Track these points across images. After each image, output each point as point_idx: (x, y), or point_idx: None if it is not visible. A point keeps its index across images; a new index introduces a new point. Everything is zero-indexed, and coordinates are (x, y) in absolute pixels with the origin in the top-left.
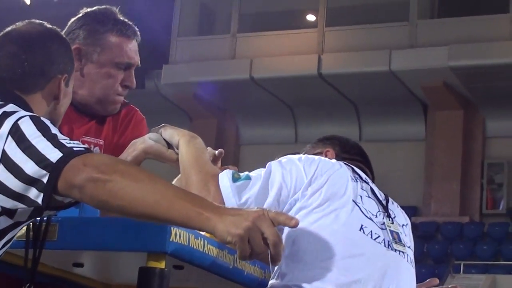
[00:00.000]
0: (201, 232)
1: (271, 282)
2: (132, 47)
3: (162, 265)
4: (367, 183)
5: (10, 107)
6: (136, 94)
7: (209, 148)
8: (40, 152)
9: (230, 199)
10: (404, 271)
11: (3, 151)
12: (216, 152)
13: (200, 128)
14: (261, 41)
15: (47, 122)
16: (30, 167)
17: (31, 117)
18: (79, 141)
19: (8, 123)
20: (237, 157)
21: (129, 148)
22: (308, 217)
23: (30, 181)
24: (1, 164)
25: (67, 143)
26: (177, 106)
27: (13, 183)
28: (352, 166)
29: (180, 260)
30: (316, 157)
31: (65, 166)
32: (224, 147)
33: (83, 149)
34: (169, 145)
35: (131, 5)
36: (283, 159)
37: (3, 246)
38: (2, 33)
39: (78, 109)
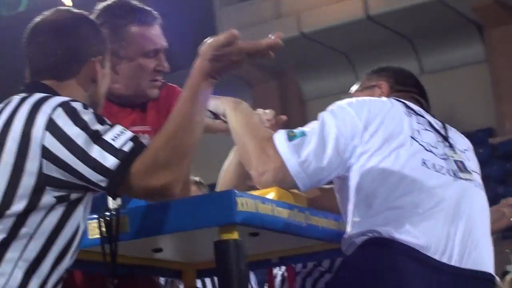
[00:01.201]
0: (267, 196)
1: (346, 232)
2: (155, 33)
3: (235, 235)
4: (422, 116)
5: (36, 98)
6: (188, 73)
7: (269, 110)
8: (91, 159)
9: (289, 159)
10: (474, 197)
11: (44, 146)
12: (282, 116)
13: (261, 93)
14: None
15: (80, 110)
16: (85, 171)
17: (63, 107)
18: None
19: (42, 117)
20: (303, 113)
21: None
22: (369, 162)
23: (87, 181)
24: (45, 159)
25: (111, 140)
26: (234, 75)
27: (67, 178)
28: (405, 101)
29: (251, 227)
30: (367, 98)
31: (126, 174)
32: (288, 106)
33: (132, 145)
34: (216, 116)
35: None
36: (334, 107)
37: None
38: (31, 25)
39: (118, 103)
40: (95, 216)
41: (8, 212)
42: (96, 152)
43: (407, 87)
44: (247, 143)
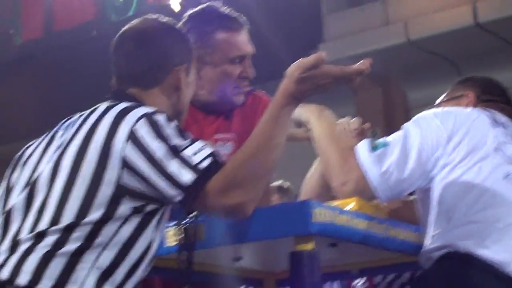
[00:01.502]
0: (347, 207)
1: (425, 245)
2: (242, 39)
3: (309, 246)
4: (508, 129)
5: (121, 107)
6: None
7: (355, 119)
8: (168, 173)
9: (371, 169)
10: None
11: (124, 157)
12: (366, 125)
13: (366, 99)
14: (412, 2)
15: (162, 123)
16: (161, 185)
17: (146, 119)
18: (211, 140)
19: (125, 128)
20: (408, 121)
21: None
22: (452, 173)
23: (162, 195)
24: (124, 170)
25: (190, 156)
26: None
27: (144, 189)
28: (491, 111)
29: (328, 238)
30: (453, 109)
31: (202, 191)
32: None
33: (210, 161)
34: (299, 124)
35: None
36: (419, 117)
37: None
38: (119, 33)
39: (203, 109)
40: (173, 223)
41: (85, 220)
42: (173, 166)
43: (494, 97)
44: (330, 152)
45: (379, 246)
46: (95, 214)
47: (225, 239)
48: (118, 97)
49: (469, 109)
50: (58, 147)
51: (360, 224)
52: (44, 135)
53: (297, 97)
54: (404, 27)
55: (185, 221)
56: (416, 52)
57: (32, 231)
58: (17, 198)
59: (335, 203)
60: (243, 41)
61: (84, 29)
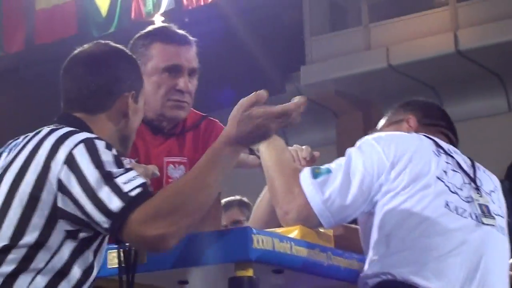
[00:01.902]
0: (291, 234)
1: (363, 271)
2: (178, 51)
3: (249, 273)
4: (451, 155)
5: (63, 131)
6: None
7: (305, 147)
8: (99, 199)
9: (313, 196)
10: (494, 243)
11: (60, 180)
12: (315, 153)
13: (346, 123)
14: (394, 28)
15: (101, 149)
16: (91, 210)
17: (85, 144)
18: (160, 162)
19: (63, 151)
20: None
21: None
22: (393, 200)
23: (92, 220)
24: (60, 193)
25: (122, 184)
26: (320, 105)
27: (76, 213)
28: (434, 139)
29: (268, 265)
30: (395, 134)
31: (127, 219)
32: None
33: (139, 191)
34: (251, 151)
35: (259, 14)
36: (362, 143)
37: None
38: (69, 56)
39: (149, 128)
40: (115, 246)
41: (21, 242)
42: (104, 193)
43: (435, 121)
44: (275, 180)
45: (322, 274)
46: (30, 237)
47: (168, 263)
48: (64, 121)
49: (412, 135)
50: (1, 168)
51: (302, 252)
52: None
53: (238, 140)
54: (386, 52)
55: (127, 244)
56: (396, 77)
57: None
58: None
59: (279, 230)
60: (180, 53)
61: (66, 44)
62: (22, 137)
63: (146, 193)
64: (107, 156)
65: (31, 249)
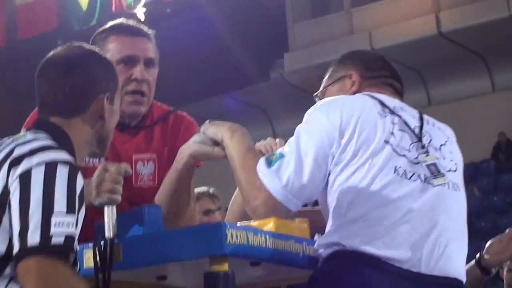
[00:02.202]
0: (266, 227)
1: (318, 240)
2: (132, 42)
3: (224, 267)
4: (398, 114)
5: (36, 145)
6: (263, 86)
7: (278, 140)
8: (27, 223)
9: (273, 186)
10: (447, 202)
11: (6, 187)
12: (277, 140)
13: None
14: (376, 12)
15: (59, 178)
16: (15, 229)
17: (46, 168)
18: (129, 159)
19: (25, 164)
20: None
21: (178, 155)
22: (343, 172)
23: (11, 238)
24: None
25: (56, 223)
26: (305, 91)
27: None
28: (379, 97)
29: (243, 259)
30: (338, 100)
31: (30, 258)
32: None
33: (60, 242)
34: (216, 142)
35: (240, 3)
36: (308, 117)
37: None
38: (43, 60)
39: (118, 126)
40: (90, 245)
41: None
42: (34, 222)
43: (378, 72)
44: (240, 174)
45: (298, 265)
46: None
47: (144, 261)
48: (40, 126)
49: (355, 98)
50: None
51: (277, 244)
52: None
53: None
54: (368, 36)
55: (101, 243)
56: None
57: None
58: None
59: (255, 223)
60: (135, 44)
61: (48, 38)
62: None
63: (65, 247)
64: (61, 189)
65: (3, 260)
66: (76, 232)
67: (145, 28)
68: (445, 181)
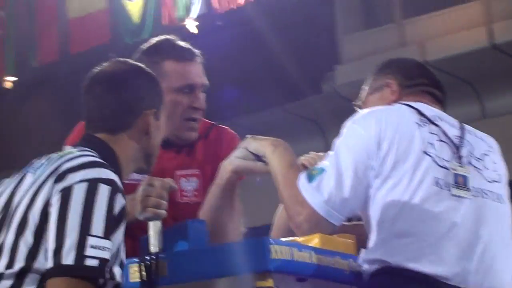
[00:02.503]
0: (311, 243)
1: (362, 255)
2: (190, 69)
3: (269, 283)
4: (436, 124)
5: (81, 161)
6: (315, 99)
7: (322, 154)
8: (62, 243)
9: (315, 201)
10: (491, 214)
11: (48, 202)
12: (321, 153)
13: None
14: (428, 24)
15: (99, 198)
16: (51, 245)
17: (89, 186)
18: (172, 176)
19: (68, 180)
20: None
21: (221, 171)
22: (384, 185)
23: (46, 254)
24: (42, 213)
25: (92, 245)
26: (356, 104)
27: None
28: (417, 107)
29: (287, 275)
30: (375, 112)
31: (56, 276)
32: None
33: (94, 264)
34: (257, 157)
35: (291, 15)
36: (345, 130)
37: None
38: (89, 75)
39: (163, 144)
40: (136, 260)
41: (35, 266)
42: (70, 242)
43: (416, 80)
44: (283, 191)
45: (344, 281)
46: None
47: (188, 276)
48: (87, 143)
49: (392, 108)
50: (25, 189)
51: (321, 260)
52: (16, 175)
53: None
54: (420, 49)
55: (147, 258)
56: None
57: None
58: None
59: (300, 239)
60: (193, 71)
61: (100, 52)
62: (45, 157)
63: (97, 270)
64: (100, 209)
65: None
66: (111, 255)
67: (194, 49)
68: (488, 189)
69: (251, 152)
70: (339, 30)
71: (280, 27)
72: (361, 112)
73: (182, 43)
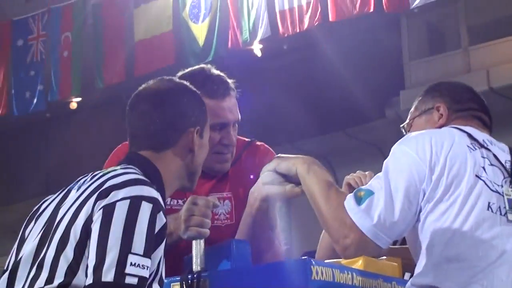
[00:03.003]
0: (355, 265)
1: (411, 280)
2: (223, 106)
3: None
4: (487, 147)
5: (125, 178)
6: (379, 124)
7: (367, 172)
8: (103, 260)
9: (363, 224)
10: None
11: (90, 218)
12: (367, 172)
13: None
14: (493, 50)
15: (142, 216)
16: (90, 261)
17: (131, 203)
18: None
19: (111, 198)
20: None
21: (250, 198)
22: (435, 209)
23: (86, 270)
24: (83, 229)
25: (132, 263)
26: None
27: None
28: (467, 131)
29: None
30: (426, 135)
31: None
32: None
33: (134, 282)
34: (288, 178)
35: (357, 39)
36: (396, 152)
37: None
38: (134, 93)
39: None
40: (178, 278)
41: (74, 283)
42: (110, 258)
43: (466, 104)
44: (323, 211)
45: None
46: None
47: None
48: (131, 160)
49: (443, 131)
50: (68, 204)
51: (364, 282)
52: (60, 191)
53: None
54: (486, 75)
55: (189, 276)
56: (498, 100)
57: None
58: (26, 250)
59: (344, 261)
60: (226, 108)
61: (164, 74)
62: (90, 175)
63: (136, 287)
64: (141, 227)
65: None
66: (149, 274)
67: (229, 82)
68: None
69: (280, 173)
70: (405, 55)
71: (345, 51)
72: (411, 134)
73: (217, 76)
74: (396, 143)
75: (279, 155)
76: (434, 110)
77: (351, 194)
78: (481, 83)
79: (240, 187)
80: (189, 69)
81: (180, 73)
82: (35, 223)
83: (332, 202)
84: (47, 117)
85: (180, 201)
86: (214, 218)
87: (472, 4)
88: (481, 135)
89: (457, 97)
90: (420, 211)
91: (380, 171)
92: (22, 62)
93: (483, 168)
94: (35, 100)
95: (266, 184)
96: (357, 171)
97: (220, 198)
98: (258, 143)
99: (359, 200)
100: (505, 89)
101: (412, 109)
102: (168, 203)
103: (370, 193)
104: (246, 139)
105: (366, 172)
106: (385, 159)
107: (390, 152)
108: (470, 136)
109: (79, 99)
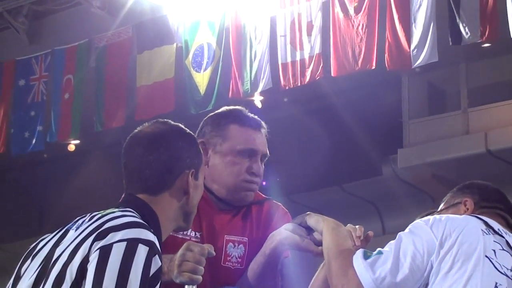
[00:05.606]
0: None
1: None
2: (253, 135)
3: None
4: (501, 235)
5: (122, 221)
6: (375, 181)
7: (358, 226)
8: None
9: (364, 274)
10: None
11: (86, 258)
12: (369, 232)
13: None
14: (493, 113)
15: (137, 259)
16: None
17: (127, 246)
18: (221, 238)
19: (109, 238)
20: None
21: (268, 240)
22: (442, 283)
23: None
24: (79, 269)
25: None
26: (416, 188)
27: None
28: (485, 219)
29: None
30: (444, 216)
31: None
32: None
33: None
34: (309, 233)
35: (357, 95)
36: (412, 226)
37: None
38: (129, 136)
39: (217, 205)
40: None
41: None
42: None
43: (491, 203)
44: (333, 262)
45: None
46: None
47: None
48: (128, 203)
49: (462, 216)
50: (66, 244)
51: None
52: (58, 230)
53: None
54: (484, 137)
55: None
56: (495, 162)
57: None
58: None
59: None
60: (255, 138)
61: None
62: (88, 215)
63: None
64: (136, 269)
65: None
66: None
67: (261, 121)
68: None
69: (303, 226)
70: (404, 114)
71: (345, 107)
72: (431, 216)
73: (251, 114)
74: (415, 220)
75: (309, 212)
76: (461, 205)
77: (361, 249)
78: (479, 145)
79: (257, 235)
80: (225, 107)
81: (216, 111)
82: (31, 261)
83: (343, 254)
84: (45, 157)
85: (198, 234)
86: (226, 259)
87: (473, 67)
88: (497, 225)
89: (486, 195)
90: (427, 285)
91: (375, 227)
92: (23, 101)
93: (494, 251)
94: (34, 140)
95: (287, 230)
96: (348, 225)
97: (236, 241)
98: (278, 203)
99: (366, 256)
100: (502, 152)
101: (442, 204)
102: (187, 233)
103: (379, 253)
104: (266, 196)
105: (357, 226)
106: (379, 216)
107: (408, 227)
108: (485, 223)
109: (77, 141)
